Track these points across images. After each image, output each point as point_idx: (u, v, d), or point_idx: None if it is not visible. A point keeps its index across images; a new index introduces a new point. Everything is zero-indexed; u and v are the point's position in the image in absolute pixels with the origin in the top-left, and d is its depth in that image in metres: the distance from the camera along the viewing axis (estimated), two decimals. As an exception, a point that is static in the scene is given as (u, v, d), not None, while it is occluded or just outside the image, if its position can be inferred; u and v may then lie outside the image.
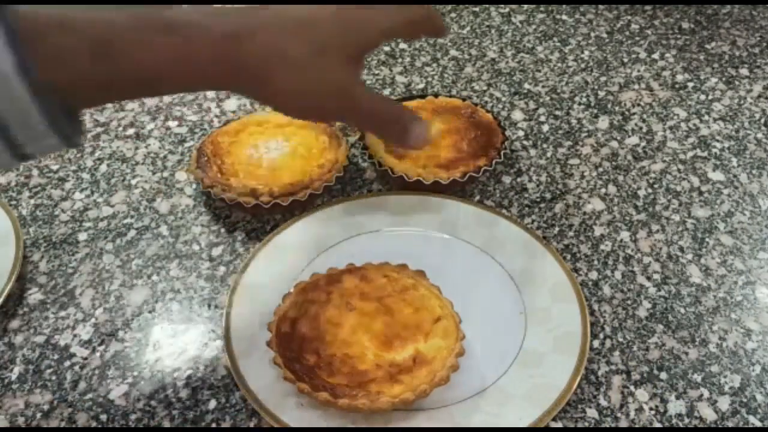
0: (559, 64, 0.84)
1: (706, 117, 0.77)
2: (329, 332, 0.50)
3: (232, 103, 0.78)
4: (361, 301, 0.52)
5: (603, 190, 0.67)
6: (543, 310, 0.55)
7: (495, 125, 0.67)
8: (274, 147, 0.65)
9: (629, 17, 0.93)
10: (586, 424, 0.49)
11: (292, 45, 0.39)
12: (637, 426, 0.49)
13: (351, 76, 0.42)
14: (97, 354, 0.53)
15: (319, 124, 0.67)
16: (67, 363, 0.53)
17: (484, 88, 0.80)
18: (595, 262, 0.60)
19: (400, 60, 0.85)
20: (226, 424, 0.49)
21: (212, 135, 0.66)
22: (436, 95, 0.71)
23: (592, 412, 0.50)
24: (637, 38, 0.89)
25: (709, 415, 0.50)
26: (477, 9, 0.94)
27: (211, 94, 0.79)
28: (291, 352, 0.49)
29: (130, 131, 0.74)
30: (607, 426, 0.49)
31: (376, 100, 0.45)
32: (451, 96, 0.72)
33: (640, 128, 0.75)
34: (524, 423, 0.47)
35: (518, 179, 0.68)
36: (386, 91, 0.79)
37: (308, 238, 0.60)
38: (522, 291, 0.56)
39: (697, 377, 0.52)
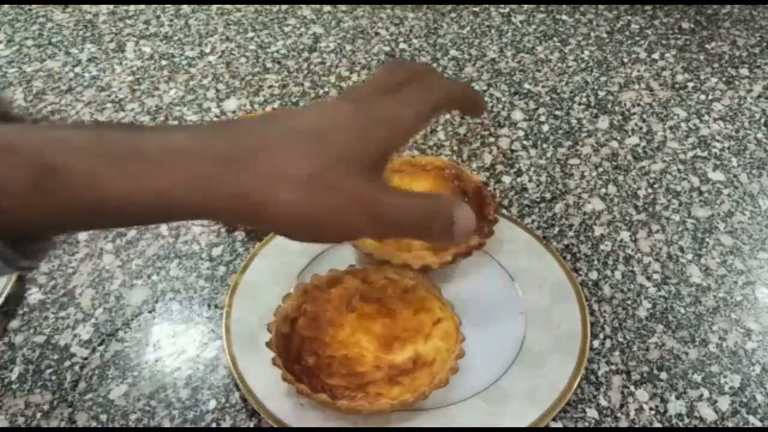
0: (559, 64, 0.84)
1: (706, 117, 0.77)
2: (329, 333, 0.50)
3: (232, 103, 0.78)
4: (361, 302, 0.52)
5: (603, 190, 0.67)
6: (543, 310, 0.55)
7: (484, 190, 0.59)
8: None
9: (629, 17, 0.93)
10: (586, 424, 0.49)
11: (299, 163, 0.33)
12: (637, 426, 0.49)
13: (372, 185, 0.35)
14: (97, 354, 0.53)
15: None
16: (67, 363, 0.53)
17: (484, 88, 0.80)
18: (595, 262, 0.60)
19: (400, 60, 0.85)
20: (226, 424, 0.49)
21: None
22: (413, 155, 0.63)
23: (592, 412, 0.50)
24: (637, 38, 0.89)
25: (709, 415, 0.50)
26: (477, 9, 0.94)
27: (211, 93, 0.79)
28: (290, 352, 0.49)
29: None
30: (607, 426, 0.49)
31: (405, 205, 0.36)
32: (430, 154, 0.63)
33: (640, 128, 0.75)
34: (524, 423, 0.47)
35: (518, 179, 0.68)
36: (386, 91, 0.79)
37: None
38: (522, 291, 0.56)
39: (697, 377, 0.52)
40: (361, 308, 0.51)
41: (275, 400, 0.48)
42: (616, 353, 0.54)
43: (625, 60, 0.85)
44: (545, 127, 0.75)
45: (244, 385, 0.49)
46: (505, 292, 0.57)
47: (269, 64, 0.84)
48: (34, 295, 0.57)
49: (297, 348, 0.49)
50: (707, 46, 0.88)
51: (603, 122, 0.76)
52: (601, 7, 0.95)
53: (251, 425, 0.49)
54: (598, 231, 0.63)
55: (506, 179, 0.68)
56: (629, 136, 0.74)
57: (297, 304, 0.51)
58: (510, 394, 0.49)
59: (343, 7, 0.95)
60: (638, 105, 0.78)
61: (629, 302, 0.57)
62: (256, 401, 0.48)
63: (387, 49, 0.87)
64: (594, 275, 0.59)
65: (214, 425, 0.49)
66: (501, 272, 0.58)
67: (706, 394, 0.51)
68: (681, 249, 0.62)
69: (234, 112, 0.76)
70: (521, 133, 0.74)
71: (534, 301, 0.55)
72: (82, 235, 0.62)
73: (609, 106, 0.78)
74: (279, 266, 0.57)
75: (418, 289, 0.53)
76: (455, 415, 0.48)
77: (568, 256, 0.61)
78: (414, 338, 0.50)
